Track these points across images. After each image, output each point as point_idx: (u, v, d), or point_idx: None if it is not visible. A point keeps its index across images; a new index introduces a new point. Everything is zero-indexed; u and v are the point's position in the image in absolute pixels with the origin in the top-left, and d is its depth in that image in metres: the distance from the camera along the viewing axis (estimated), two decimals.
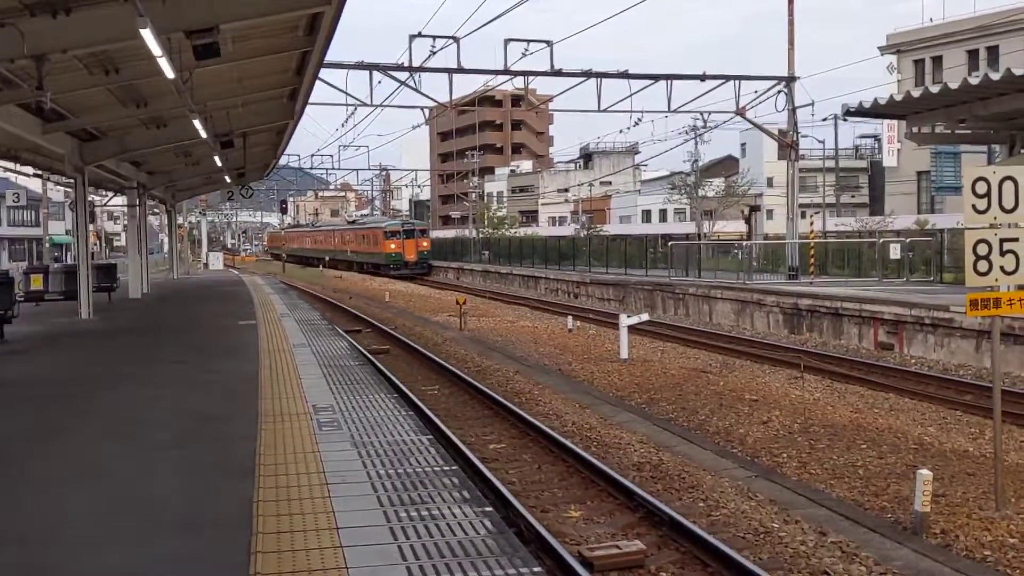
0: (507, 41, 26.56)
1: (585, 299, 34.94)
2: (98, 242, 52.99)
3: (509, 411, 12.96)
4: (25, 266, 33.41)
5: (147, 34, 10.74)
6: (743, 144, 70.02)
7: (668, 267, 32.81)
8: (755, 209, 51.89)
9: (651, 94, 29.60)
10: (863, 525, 8.13)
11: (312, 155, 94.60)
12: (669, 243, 35.82)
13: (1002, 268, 8.15)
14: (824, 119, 53.73)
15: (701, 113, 33.89)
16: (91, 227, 28.25)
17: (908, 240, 28.18)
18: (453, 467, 7.18)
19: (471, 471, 9.35)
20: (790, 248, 29.64)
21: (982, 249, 8.14)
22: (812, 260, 28.49)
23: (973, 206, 8.11)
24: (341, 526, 5.64)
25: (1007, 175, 8.14)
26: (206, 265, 63.99)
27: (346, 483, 6.59)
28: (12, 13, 11.37)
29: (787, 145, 30.84)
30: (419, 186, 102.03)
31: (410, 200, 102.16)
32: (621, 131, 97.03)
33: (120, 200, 35.63)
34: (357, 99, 28.00)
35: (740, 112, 30.33)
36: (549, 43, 26.66)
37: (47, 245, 51.98)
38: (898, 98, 19.97)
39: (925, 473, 7.86)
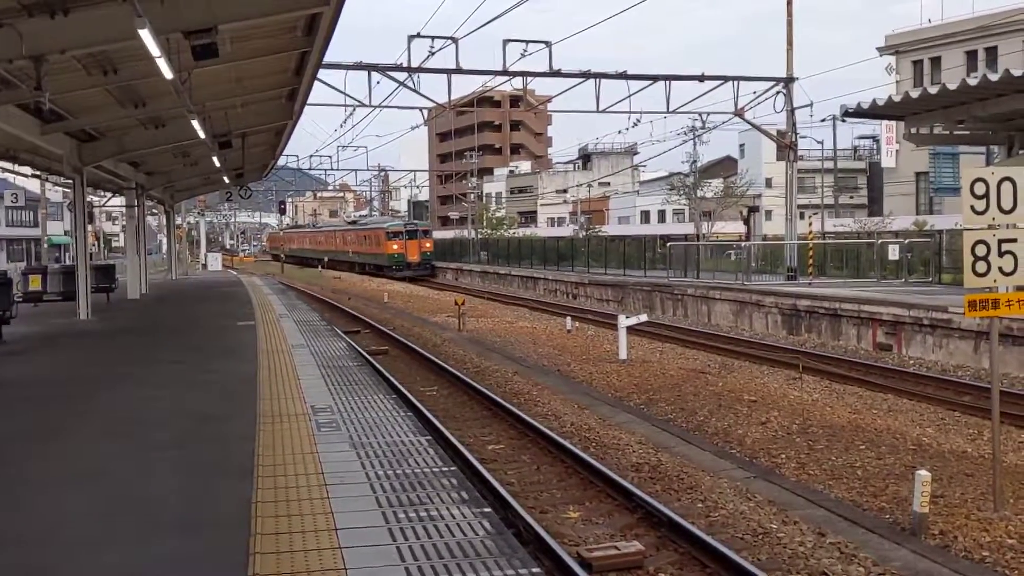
0: (506, 42, 26.57)
1: (584, 300, 34.95)
2: (96, 243, 52.96)
3: (508, 412, 12.96)
4: (23, 267, 33.39)
5: (145, 34, 10.73)
6: (742, 145, 70.12)
7: (667, 268, 32.83)
8: (754, 210, 51.89)
9: (650, 95, 29.64)
10: (862, 526, 8.13)
11: (311, 156, 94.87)
12: (668, 244, 35.82)
13: (1000, 269, 8.16)
14: (823, 120, 53.76)
15: (700, 114, 33.83)
16: (89, 228, 28.25)
17: (907, 241, 28.19)
18: (452, 468, 7.18)
19: (470, 472, 9.36)
20: (789, 249, 29.64)
21: (980, 250, 8.14)
22: (811, 261, 28.50)
23: (971, 207, 8.11)
24: (340, 527, 5.63)
25: (1005, 176, 8.15)
26: (204, 266, 63.94)
27: (345, 484, 6.59)
28: (10, 14, 11.37)
29: (786, 146, 30.84)
30: (418, 187, 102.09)
31: (409, 201, 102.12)
32: (620, 132, 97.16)
33: (118, 201, 35.57)
34: (356, 100, 28.01)
35: (739, 113, 30.34)
36: (548, 44, 26.70)
37: (45, 246, 51.99)
38: (896, 99, 19.98)
39: (924, 474, 7.87)
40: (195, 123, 18.10)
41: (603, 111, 29.36)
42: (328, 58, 18.09)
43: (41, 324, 19.48)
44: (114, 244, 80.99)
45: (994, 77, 17.22)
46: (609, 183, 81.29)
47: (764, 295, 24.24)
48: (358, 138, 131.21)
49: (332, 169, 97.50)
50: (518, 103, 78.50)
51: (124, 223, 37.63)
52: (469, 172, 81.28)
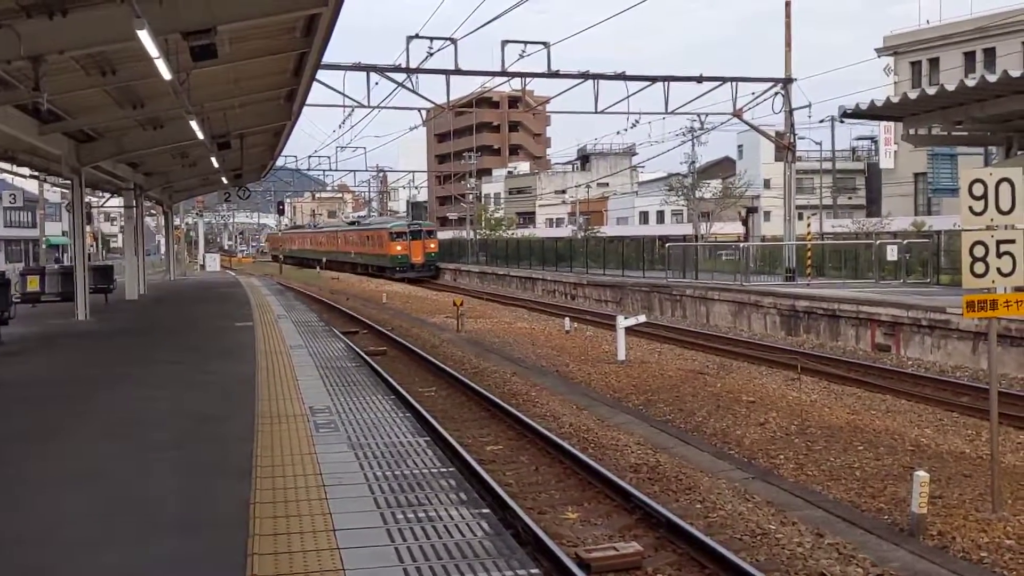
0: (504, 42, 26.60)
1: (582, 300, 34.95)
2: (94, 243, 52.91)
3: (506, 413, 12.96)
4: (22, 267, 33.36)
5: (144, 35, 10.72)
6: (740, 146, 70.15)
7: (665, 268, 32.82)
8: (752, 211, 51.98)
9: (648, 95, 29.67)
10: (860, 527, 8.13)
11: (309, 156, 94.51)
12: (666, 244, 35.81)
13: (999, 270, 8.16)
14: (821, 121, 53.85)
15: (698, 115, 33.89)
16: (88, 228, 28.23)
17: (905, 242, 28.20)
18: (450, 469, 7.18)
19: (468, 473, 9.36)
20: (787, 249, 29.67)
21: (979, 251, 8.15)
22: (809, 262, 28.52)
23: (970, 208, 8.12)
24: (338, 528, 5.63)
25: (1004, 177, 8.16)
26: (203, 266, 63.89)
27: (343, 485, 6.59)
28: (9, 14, 11.35)
29: (784, 147, 30.85)
30: (416, 187, 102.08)
31: (407, 201, 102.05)
32: (618, 132, 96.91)
33: (117, 201, 35.59)
34: (354, 100, 27.98)
35: (737, 114, 30.37)
36: (546, 44, 26.74)
37: (43, 246, 51.95)
38: (895, 100, 19.99)
39: (922, 475, 7.87)
40: (193, 124, 18.09)
41: (602, 112, 29.38)
42: (327, 59, 18.11)
43: (39, 325, 19.47)
44: (112, 245, 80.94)
45: (992, 78, 17.24)
46: (608, 184, 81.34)
47: (763, 296, 24.25)
48: (357, 139, 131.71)
49: (331, 170, 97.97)
50: (517, 104, 78.39)
51: (122, 224, 37.57)
52: (468, 173, 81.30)
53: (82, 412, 9.68)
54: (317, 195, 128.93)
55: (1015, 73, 16.85)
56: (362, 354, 17.84)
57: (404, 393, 14.04)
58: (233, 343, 15.66)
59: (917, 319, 18.51)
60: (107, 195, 38.05)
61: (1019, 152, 20.45)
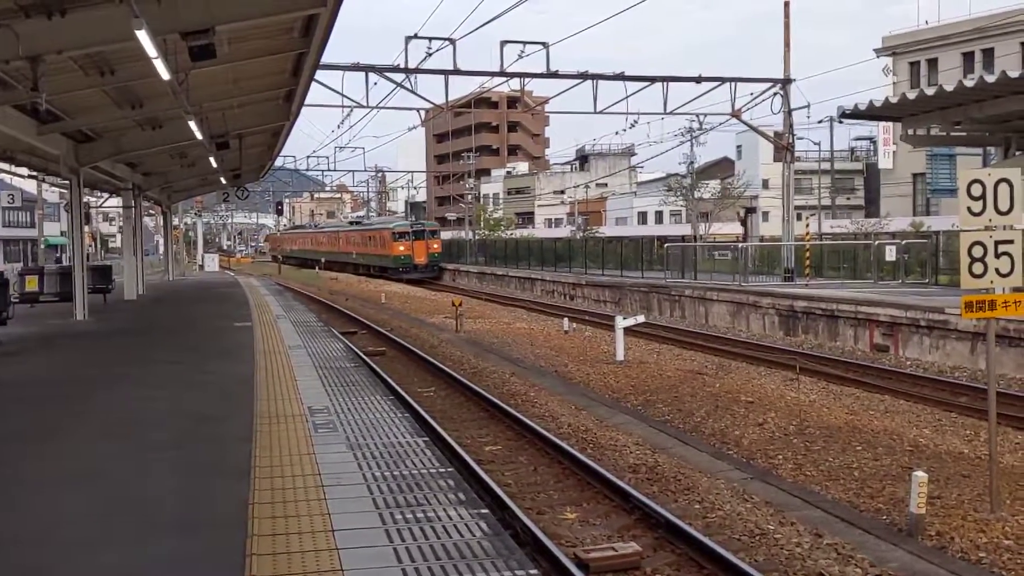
0: (503, 43, 26.59)
1: (581, 301, 34.95)
2: (93, 243, 52.87)
3: (505, 413, 12.96)
4: (20, 267, 33.33)
5: (143, 35, 10.72)
6: (739, 146, 70.14)
7: (664, 269, 32.83)
8: (751, 211, 52.03)
9: (647, 96, 29.66)
10: (859, 527, 8.14)
11: (308, 156, 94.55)
12: (665, 245, 35.84)
13: (997, 270, 8.17)
14: (820, 121, 53.92)
15: (697, 115, 33.96)
16: (86, 228, 28.22)
17: (903, 242, 28.21)
18: (449, 469, 7.18)
19: (467, 473, 9.36)
20: (786, 250, 29.68)
21: (977, 251, 8.16)
22: (808, 262, 28.54)
23: (968, 208, 8.13)
24: (337, 528, 5.63)
25: (1002, 177, 8.16)
26: (201, 267, 63.84)
27: (342, 485, 6.59)
28: (7, 14, 11.34)
29: (783, 147, 30.86)
30: (415, 188, 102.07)
31: (406, 202, 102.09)
32: (617, 133, 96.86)
33: (115, 201, 35.60)
34: (353, 101, 27.95)
35: (736, 114, 30.37)
36: (545, 45, 26.74)
37: (42, 246, 51.88)
38: (893, 100, 20.00)
39: (920, 475, 7.88)
40: (192, 124, 18.09)
41: (600, 112, 29.36)
42: (325, 59, 18.07)
43: (38, 325, 19.45)
44: (111, 245, 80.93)
45: (991, 79, 17.26)
46: (606, 184, 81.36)
47: (761, 296, 24.26)
48: (355, 139, 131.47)
49: (329, 170, 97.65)
50: (515, 104, 78.17)
51: (121, 224, 37.53)
52: (466, 173, 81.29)
53: (80, 412, 9.67)
54: (316, 195, 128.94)
55: (1013, 74, 16.87)
56: (361, 354, 17.84)
57: (403, 393, 14.04)
58: (232, 343, 15.66)
59: (915, 319, 18.51)
60: (105, 195, 38.05)
61: (1017, 152, 20.47)
